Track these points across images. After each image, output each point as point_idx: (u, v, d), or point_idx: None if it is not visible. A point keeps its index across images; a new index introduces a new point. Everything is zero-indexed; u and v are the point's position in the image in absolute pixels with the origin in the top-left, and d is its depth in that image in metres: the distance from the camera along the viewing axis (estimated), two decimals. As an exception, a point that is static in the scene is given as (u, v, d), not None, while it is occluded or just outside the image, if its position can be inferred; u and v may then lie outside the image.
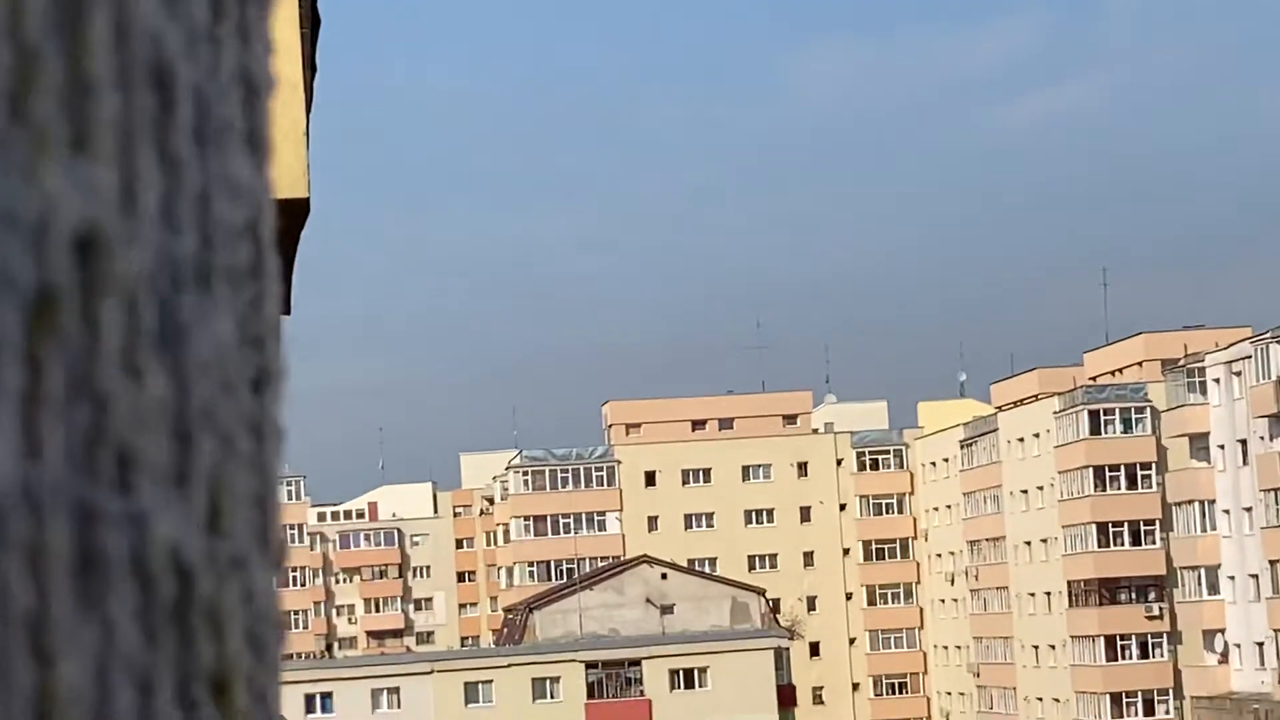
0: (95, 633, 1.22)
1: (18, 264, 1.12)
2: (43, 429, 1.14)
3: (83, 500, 1.20)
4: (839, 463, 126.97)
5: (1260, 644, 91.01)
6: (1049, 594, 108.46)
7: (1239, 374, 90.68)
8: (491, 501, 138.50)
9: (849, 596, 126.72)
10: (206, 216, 1.49)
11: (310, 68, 8.96)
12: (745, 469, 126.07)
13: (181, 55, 1.42)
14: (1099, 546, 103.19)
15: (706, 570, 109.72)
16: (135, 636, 1.28)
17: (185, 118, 1.44)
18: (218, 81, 1.53)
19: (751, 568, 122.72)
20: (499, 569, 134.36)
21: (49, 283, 1.16)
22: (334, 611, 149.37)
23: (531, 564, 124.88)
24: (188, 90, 1.44)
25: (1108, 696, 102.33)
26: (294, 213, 8.73)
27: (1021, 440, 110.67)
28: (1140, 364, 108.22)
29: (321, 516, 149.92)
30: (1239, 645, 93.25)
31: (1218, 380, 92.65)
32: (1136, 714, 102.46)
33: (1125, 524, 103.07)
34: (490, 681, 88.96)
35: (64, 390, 1.18)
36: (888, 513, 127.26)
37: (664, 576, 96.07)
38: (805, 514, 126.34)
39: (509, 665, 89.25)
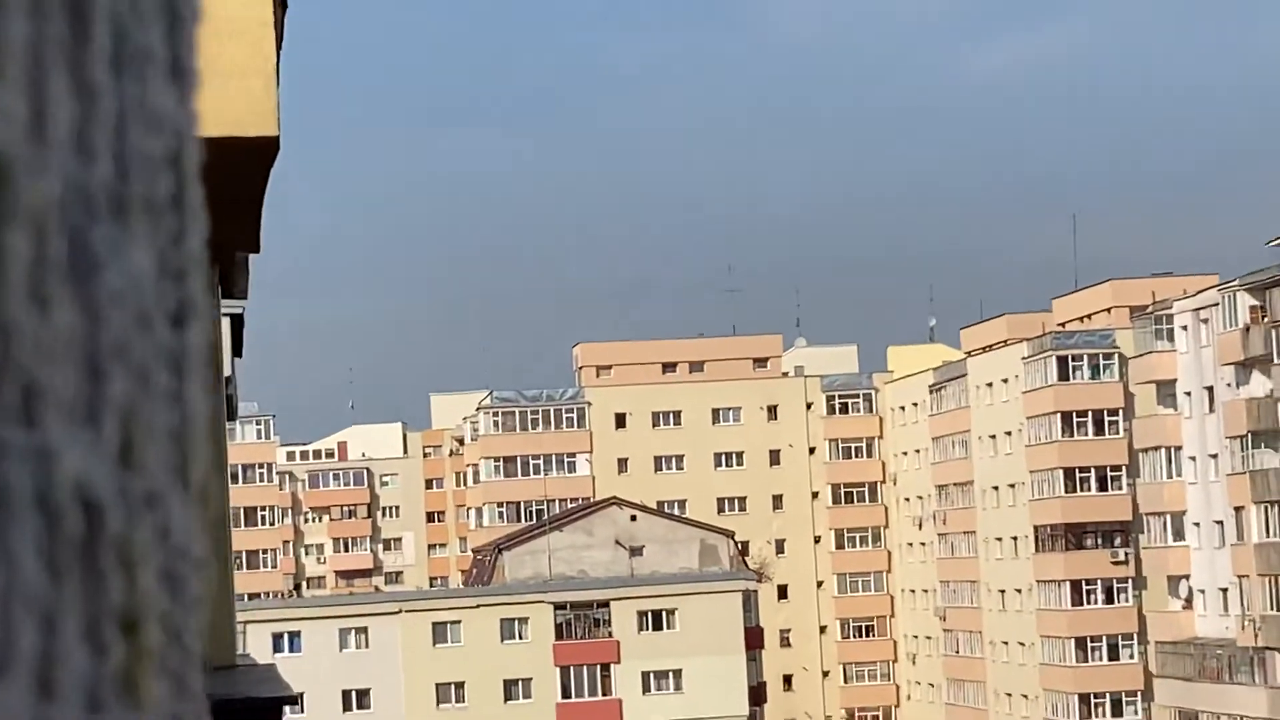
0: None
1: None
2: None
3: None
4: (808, 406, 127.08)
5: (1224, 590, 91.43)
6: (1015, 539, 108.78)
7: (1206, 321, 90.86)
8: (461, 442, 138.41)
9: (817, 540, 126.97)
10: (122, 146, 1.46)
11: (281, 5, 8.91)
12: (715, 412, 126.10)
13: None
14: (1066, 492, 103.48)
15: (676, 512, 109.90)
16: (39, 573, 1.27)
17: (102, 44, 1.40)
18: (137, 9, 1.50)
19: (720, 510, 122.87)
20: (468, 510, 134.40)
21: None
22: (303, 551, 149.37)
23: (501, 505, 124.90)
24: (104, 16, 1.41)
25: (1072, 641, 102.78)
26: (264, 151, 8.69)
27: (990, 385, 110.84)
28: (1109, 310, 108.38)
29: (291, 456, 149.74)
30: (1203, 591, 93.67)
31: (1185, 327, 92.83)
32: (1101, 659, 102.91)
33: (1092, 469, 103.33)
34: (459, 622, 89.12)
35: None
36: (856, 456, 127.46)
37: (633, 518, 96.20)
38: (774, 457, 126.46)
39: (477, 606, 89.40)
